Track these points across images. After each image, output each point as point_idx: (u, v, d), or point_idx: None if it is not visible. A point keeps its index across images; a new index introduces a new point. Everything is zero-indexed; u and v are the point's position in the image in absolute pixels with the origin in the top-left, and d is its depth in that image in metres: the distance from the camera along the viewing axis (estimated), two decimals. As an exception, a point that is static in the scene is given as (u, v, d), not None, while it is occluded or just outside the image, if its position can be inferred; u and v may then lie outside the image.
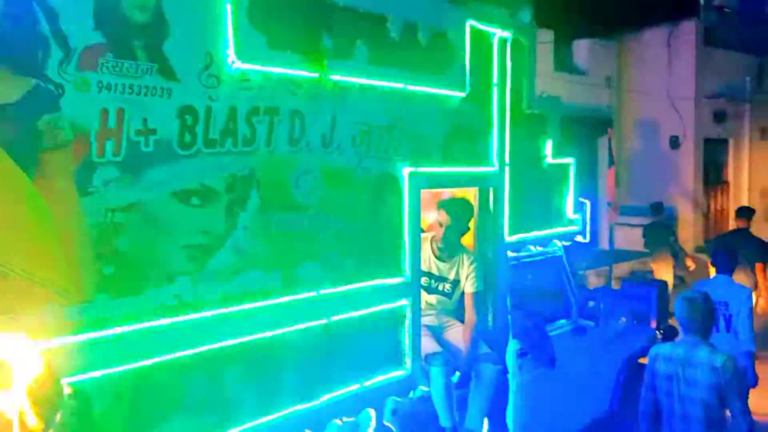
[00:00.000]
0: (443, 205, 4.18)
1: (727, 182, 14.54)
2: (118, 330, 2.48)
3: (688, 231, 12.28)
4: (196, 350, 2.74)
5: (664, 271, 9.03)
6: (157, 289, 2.62)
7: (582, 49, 11.70)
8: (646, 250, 9.36)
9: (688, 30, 12.98)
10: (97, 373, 2.42)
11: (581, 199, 5.25)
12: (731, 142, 14.43)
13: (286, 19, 3.08)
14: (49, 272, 2.30)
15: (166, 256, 2.65)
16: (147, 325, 2.57)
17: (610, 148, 10.37)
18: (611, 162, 9.89)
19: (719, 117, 13.79)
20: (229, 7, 2.82)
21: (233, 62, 2.85)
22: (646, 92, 12.07)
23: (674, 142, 12.34)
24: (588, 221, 5.43)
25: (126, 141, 2.50)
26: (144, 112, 2.55)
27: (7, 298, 2.21)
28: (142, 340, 2.56)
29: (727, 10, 14.62)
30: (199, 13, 2.75)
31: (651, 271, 9.26)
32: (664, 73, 12.83)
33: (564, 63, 11.12)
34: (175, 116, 2.66)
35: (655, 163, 12.28)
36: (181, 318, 2.68)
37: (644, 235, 9.36)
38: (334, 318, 3.33)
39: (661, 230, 9.33)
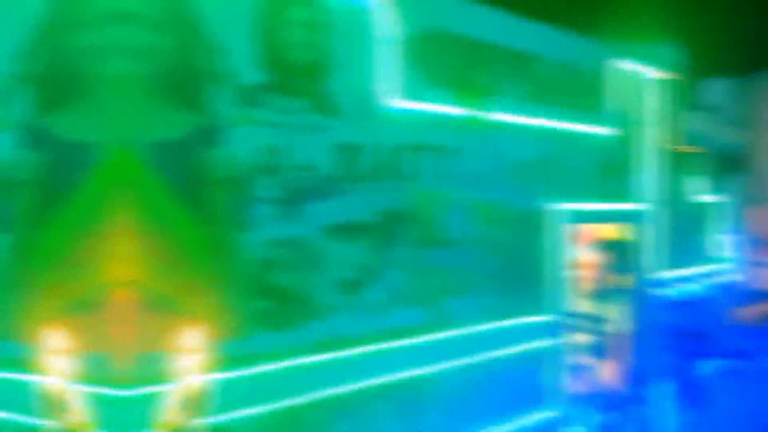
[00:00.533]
0: (605, 246, 3.11)
1: None
2: (271, 366, 1.84)
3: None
4: (347, 388, 2.02)
5: None
6: (310, 324, 1.95)
7: (716, 86, 9.38)
8: None
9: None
10: (251, 411, 1.79)
11: (732, 237, 3.82)
12: None
13: (444, 58, 2.33)
14: (208, 307, 1.74)
15: (319, 291, 1.98)
16: (298, 362, 1.90)
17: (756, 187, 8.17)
18: (756, 200, 7.72)
19: None
20: (389, 47, 2.15)
21: (392, 100, 2.16)
22: None
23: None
24: (737, 259, 3.95)
25: (286, 177, 1.90)
26: (305, 148, 1.94)
27: (164, 333, 1.67)
28: (294, 378, 1.90)
29: None
30: (360, 51, 2.10)
31: None
32: None
33: (698, 100, 9.02)
34: (334, 152, 2.01)
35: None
36: (332, 355, 1.98)
37: None
38: (480, 356, 2.44)
39: None
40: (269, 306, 1.86)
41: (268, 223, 1.86)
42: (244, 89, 1.81)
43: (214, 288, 1.74)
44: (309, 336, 1.94)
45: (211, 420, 1.67)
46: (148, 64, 1.64)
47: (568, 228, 2.82)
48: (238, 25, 1.81)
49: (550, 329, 2.74)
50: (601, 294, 3.11)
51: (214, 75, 1.75)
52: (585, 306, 3.12)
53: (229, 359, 1.75)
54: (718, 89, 9.14)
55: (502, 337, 2.53)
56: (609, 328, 3.10)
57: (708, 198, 3.76)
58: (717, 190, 3.73)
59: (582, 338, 3.12)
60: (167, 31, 1.67)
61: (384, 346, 2.11)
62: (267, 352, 1.84)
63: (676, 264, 3.42)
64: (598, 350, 3.14)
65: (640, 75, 3.23)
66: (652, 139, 3.26)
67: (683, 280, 3.54)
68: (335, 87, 2.01)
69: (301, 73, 1.94)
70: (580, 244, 3.29)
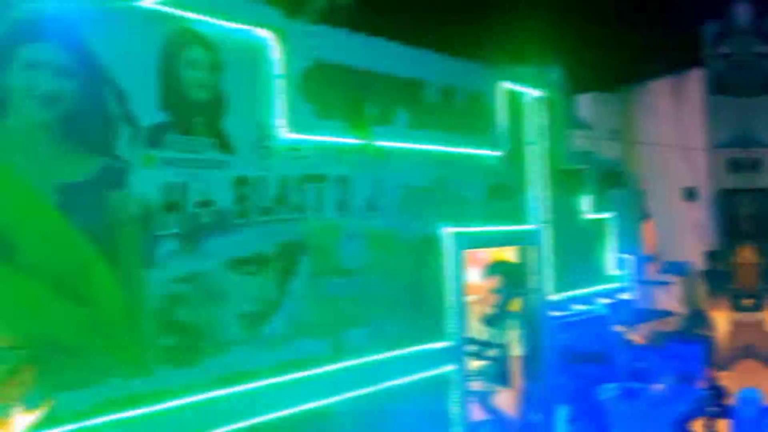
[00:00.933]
0: (495, 270, 4.29)
1: (750, 235, 13.37)
2: (178, 402, 2.60)
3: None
4: (248, 422, 2.84)
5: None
6: (213, 359, 2.75)
7: (586, 102, 11.81)
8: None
9: (695, 79, 12.85)
10: (156, 447, 2.53)
11: (623, 255, 5.36)
12: (749, 193, 13.43)
13: (332, 90, 3.32)
14: (114, 345, 2.45)
15: (222, 325, 2.79)
16: (204, 396, 2.68)
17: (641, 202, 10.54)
18: (643, 216, 10.04)
19: (735, 166, 13.06)
20: (280, 81, 3.08)
21: (284, 133, 3.08)
22: (656, 143, 12.02)
23: (689, 194, 12.01)
24: (630, 278, 5.52)
25: (187, 213, 2.70)
26: (203, 184, 2.76)
27: (71, 372, 2.35)
28: (199, 413, 2.67)
29: (735, 56, 14.68)
30: (253, 88, 3.00)
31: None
32: (672, 124, 12.69)
33: (577, 118, 11.38)
34: (231, 187, 2.87)
35: (670, 216, 11.84)
36: (235, 389, 2.80)
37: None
38: (382, 385, 3.42)
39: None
40: (174, 342, 2.62)
41: (172, 259, 2.64)
42: (145, 130, 2.59)
43: (122, 326, 2.47)
44: (213, 371, 2.73)
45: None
46: (53, 109, 2.35)
47: (463, 252, 3.96)
48: (138, 68, 2.59)
49: (450, 356, 3.83)
50: (494, 319, 4.30)
51: (116, 118, 2.51)
52: (480, 331, 4.29)
53: (138, 396, 2.48)
54: (587, 105, 11.80)
55: (403, 365, 3.53)
56: (503, 353, 4.30)
57: (597, 216, 5.26)
58: (604, 207, 5.24)
59: (478, 364, 4.28)
60: (71, 76, 2.41)
61: (287, 378, 2.98)
62: (172, 389, 2.59)
63: (569, 285, 4.79)
64: (494, 376, 4.32)
65: (524, 96, 4.57)
66: (539, 159, 4.62)
67: (577, 300, 4.94)
68: (232, 123, 2.88)
69: (200, 112, 2.78)
70: (475, 268, 4.49)
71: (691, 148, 12.51)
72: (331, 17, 3.35)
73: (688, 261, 9.96)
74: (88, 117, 2.46)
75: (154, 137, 2.62)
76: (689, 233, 11.20)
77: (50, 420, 2.27)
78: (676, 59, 12.97)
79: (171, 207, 2.66)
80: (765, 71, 14.19)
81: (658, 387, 5.67)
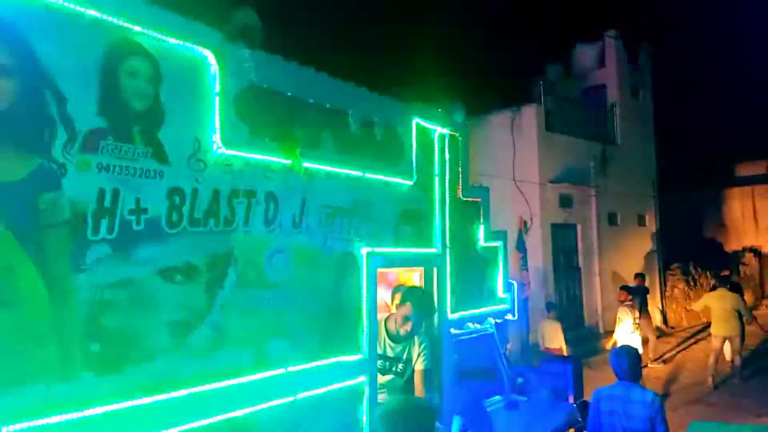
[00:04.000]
0: (407, 296, 4.34)
1: (578, 268, 14.51)
2: (101, 410, 2.44)
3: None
4: (174, 430, 2.71)
5: None
6: (138, 367, 2.62)
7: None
8: None
9: (530, 114, 13.52)
10: (76, 456, 2.35)
11: (510, 280, 5.71)
12: (579, 227, 14.54)
13: (265, 111, 3.34)
14: (39, 349, 2.27)
15: (149, 333, 2.67)
16: (128, 404, 2.54)
17: (520, 234, 11.25)
18: (519, 247, 10.73)
19: (565, 202, 13.98)
20: (217, 99, 3.05)
21: (218, 148, 3.05)
22: (493, 176, 11.75)
23: (524, 227, 11.97)
24: (511, 299, 5.88)
25: (119, 220, 2.58)
26: (137, 192, 2.66)
27: (-11, 378, 2.15)
28: (122, 420, 2.52)
29: (567, 98, 15.54)
30: (190, 102, 2.95)
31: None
32: (509, 158, 13.10)
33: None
34: (165, 197, 2.78)
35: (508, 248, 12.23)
36: (159, 397, 2.67)
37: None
38: (300, 395, 3.39)
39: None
40: (100, 348, 2.47)
41: (102, 265, 2.50)
42: (82, 135, 2.46)
43: (48, 330, 2.29)
44: (138, 378, 2.60)
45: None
46: (-11, 106, 2.19)
47: (377, 271, 4.06)
48: (78, 73, 2.48)
49: (363, 368, 3.87)
50: (401, 336, 4.41)
51: (54, 120, 2.38)
52: (391, 349, 4.38)
53: (63, 402, 2.30)
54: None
55: (319, 376, 3.53)
56: (408, 368, 4.40)
57: (494, 244, 5.58)
58: (493, 237, 5.58)
59: (386, 378, 4.36)
60: (10, 74, 2.26)
61: (211, 387, 2.89)
62: (97, 395, 2.44)
63: (465, 305, 5.03)
64: (399, 389, 4.42)
65: (432, 133, 4.82)
66: (443, 190, 4.86)
67: (471, 319, 5.18)
68: (169, 135, 2.81)
69: (137, 121, 2.69)
70: (385, 287, 4.59)
71: (525, 182, 13.04)
72: (246, 40, 3.37)
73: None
74: (25, 117, 2.32)
75: (90, 142, 2.51)
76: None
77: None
78: (515, 96, 13.71)
79: (104, 213, 2.53)
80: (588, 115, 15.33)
81: (539, 400, 6.06)
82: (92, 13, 2.55)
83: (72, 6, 2.49)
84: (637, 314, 10.42)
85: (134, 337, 2.61)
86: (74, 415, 2.34)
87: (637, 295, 11.42)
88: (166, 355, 2.72)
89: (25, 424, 2.18)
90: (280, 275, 3.34)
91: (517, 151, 13.47)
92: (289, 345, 3.36)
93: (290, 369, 3.34)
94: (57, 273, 2.36)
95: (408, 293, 4.46)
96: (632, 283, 12.61)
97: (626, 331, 10.04)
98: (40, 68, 2.36)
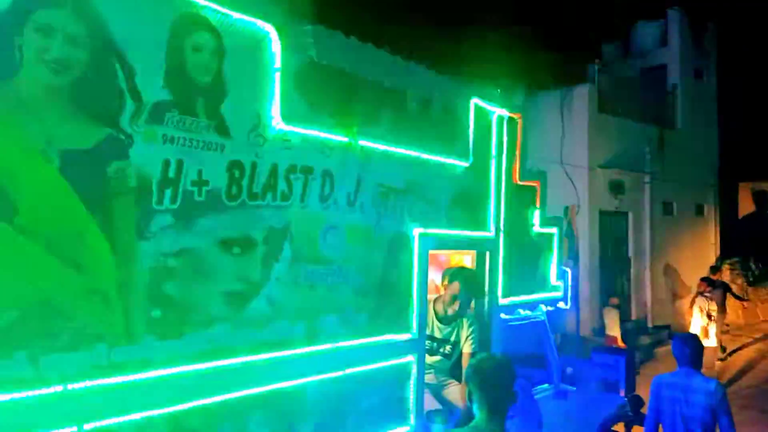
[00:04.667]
0: (456, 276, 4.33)
1: (627, 259, 13.68)
2: (160, 372, 2.53)
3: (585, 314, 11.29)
4: (225, 396, 2.79)
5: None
6: (196, 333, 2.69)
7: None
8: None
9: (582, 95, 12.39)
10: (136, 416, 2.45)
11: (563, 267, 5.57)
12: (630, 216, 13.59)
13: (324, 88, 3.33)
14: (104, 312, 2.36)
15: (207, 302, 2.73)
16: (185, 369, 2.62)
17: (569, 222, 10.92)
18: (566, 234, 10.39)
19: (616, 188, 12.90)
20: (277, 75, 3.06)
21: (277, 123, 3.06)
22: (541, 159, 10.95)
23: (568, 214, 11.42)
24: (567, 288, 5.74)
25: (182, 190, 2.64)
26: (200, 164, 2.71)
27: (59, 335, 2.26)
28: (179, 385, 2.60)
29: (623, 78, 14.27)
30: (251, 77, 2.97)
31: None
32: (558, 140, 12.03)
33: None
34: (225, 170, 2.82)
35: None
36: (215, 363, 2.74)
37: None
38: (349, 370, 3.42)
39: None
40: (161, 314, 2.55)
41: (165, 234, 2.57)
42: (148, 106, 2.52)
43: (113, 295, 2.38)
44: (196, 345, 2.67)
45: (101, 424, 2.29)
46: (63, 75, 2.26)
47: (428, 253, 4.03)
48: (147, 45, 2.53)
49: (411, 348, 3.87)
50: (450, 318, 4.38)
51: (123, 91, 2.44)
52: (439, 330, 4.36)
53: (123, 364, 2.39)
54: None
55: (368, 353, 3.55)
56: (456, 350, 4.37)
57: (549, 230, 5.45)
58: (548, 222, 5.44)
59: (433, 359, 4.35)
60: (83, 45, 2.32)
61: (264, 357, 2.94)
62: (156, 359, 2.52)
63: (517, 290, 4.94)
64: (447, 371, 4.40)
65: (491, 114, 4.71)
66: (498, 173, 4.76)
67: (523, 305, 5.09)
68: (231, 109, 2.84)
69: (201, 94, 2.72)
70: (436, 269, 4.56)
71: (573, 166, 12.02)
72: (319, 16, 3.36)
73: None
74: (96, 87, 2.38)
75: (156, 114, 2.56)
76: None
77: (36, 381, 2.16)
78: (568, 75, 12.73)
79: (168, 183, 2.59)
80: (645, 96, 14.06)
81: (588, 391, 5.93)
82: (161, -15, 2.59)
83: (142, -22, 2.54)
84: (714, 306, 9.99)
85: (193, 305, 2.68)
86: (135, 377, 2.43)
87: (717, 288, 11.04)
88: (222, 324, 2.78)
89: (88, 383, 2.28)
90: (334, 252, 3.36)
91: (566, 134, 12.48)
92: (340, 321, 3.38)
93: (340, 344, 3.37)
94: (123, 240, 2.43)
95: (457, 273, 4.42)
96: (701, 277, 11.93)
97: (700, 322, 9.66)
98: (111, 39, 2.41)
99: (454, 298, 4.25)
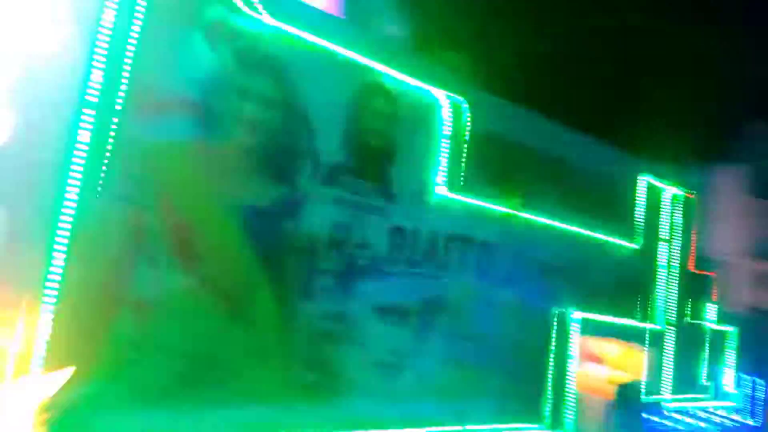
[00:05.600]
0: (611, 364, 3.89)
1: None
2: (306, 439, 2.45)
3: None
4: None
5: None
6: (345, 401, 2.60)
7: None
8: None
9: (733, 176, 10.80)
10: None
11: (743, 374, 4.82)
12: None
13: (490, 158, 3.23)
14: (266, 371, 2.35)
15: (358, 370, 2.64)
16: (330, 437, 2.53)
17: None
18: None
19: None
20: (445, 142, 3.02)
21: (440, 191, 2.99)
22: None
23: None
24: (744, 397, 4.93)
25: (346, 253, 2.63)
26: (365, 228, 2.69)
27: (217, 391, 2.26)
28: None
29: None
30: (421, 143, 2.95)
31: None
32: (745, 225, 10.58)
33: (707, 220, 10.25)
34: (388, 235, 2.78)
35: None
36: (360, 434, 2.62)
37: None
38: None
39: None
40: (315, 378, 2.50)
41: (325, 296, 2.55)
42: (324, 168, 2.57)
43: (273, 353, 2.37)
44: (344, 413, 2.57)
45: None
46: (254, 136, 2.38)
47: (580, 338, 3.66)
48: (329, 110, 2.61)
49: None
50: (602, 413, 3.88)
51: (302, 152, 2.51)
52: (591, 422, 3.89)
53: (272, 425, 2.35)
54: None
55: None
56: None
57: (725, 328, 4.76)
58: (725, 318, 4.76)
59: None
60: (275, 108, 2.44)
61: (407, 433, 2.77)
62: (305, 424, 2.45)
63: (676, 390, 4.31)
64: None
65: (663, 192, 4.30)
66: (668, 258, 4.28)
67: (683, 411, 4.43)
68: (397, 174, 2.82)
69: (372, 159, 2.74)
70: (588, 356, 4.12)
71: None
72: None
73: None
74: (281, 148, 2.47)
75: (331, 175, 2.60)
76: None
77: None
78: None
79: (334, 245, 2.59)
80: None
81: None
82: (346, 53, 2.68)
83: (330, 47, 2.64)
84: None
85: (345, 372, 2.60)
86: (283, 440, 2.37)
87: None
88: (371, 394, 2.67)
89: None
90: (483, 329, 3.15)
91: (713, 219, 10.81)
92: (478, 403, 3.11)
93: (469, 428, 3.08)
94: (288, 299, 2.44)
95: (614, 363, 3.96)
96: None
97: None
98: (299, 103, 2.51)
99: (609, 390, 3.79)
